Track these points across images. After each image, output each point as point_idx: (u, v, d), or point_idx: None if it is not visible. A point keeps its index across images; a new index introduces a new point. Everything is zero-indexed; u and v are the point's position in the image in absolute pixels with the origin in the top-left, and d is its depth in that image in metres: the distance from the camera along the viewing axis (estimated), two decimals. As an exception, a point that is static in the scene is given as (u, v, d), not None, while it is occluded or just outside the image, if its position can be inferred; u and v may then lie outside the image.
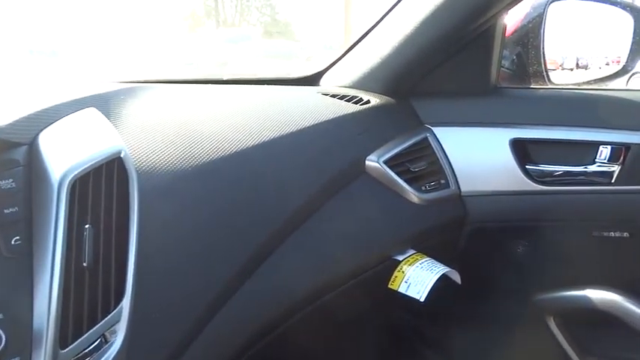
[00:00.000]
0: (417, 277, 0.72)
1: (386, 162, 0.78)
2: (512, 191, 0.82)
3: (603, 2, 0.94)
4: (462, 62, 0.87)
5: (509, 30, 0.91)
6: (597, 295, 0.79)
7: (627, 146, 0.74)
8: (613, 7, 0.94)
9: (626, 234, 0.79)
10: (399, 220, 0.78)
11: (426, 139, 0.87)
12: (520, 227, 0.85)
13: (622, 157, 0.75)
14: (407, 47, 0.85)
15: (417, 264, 0.75)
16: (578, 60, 1.26)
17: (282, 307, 0.62)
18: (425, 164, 0.83)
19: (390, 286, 0.73)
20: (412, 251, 0.78)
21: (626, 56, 0.94)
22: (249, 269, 0.58)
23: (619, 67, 0.95)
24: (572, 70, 1.25)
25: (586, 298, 0.81)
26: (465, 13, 0.77)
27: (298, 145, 0.72)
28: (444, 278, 0.73)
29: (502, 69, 0.92)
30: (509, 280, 0.91)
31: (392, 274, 0.74)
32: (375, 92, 0.91)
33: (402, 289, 0.72)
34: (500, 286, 0.91)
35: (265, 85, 0.99)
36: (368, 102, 0.87)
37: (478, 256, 0.90)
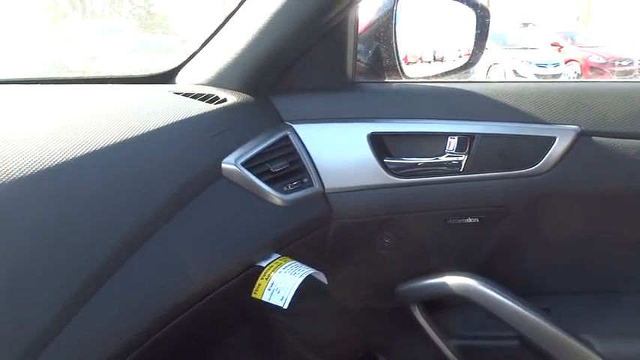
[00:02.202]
0: (281, 283, 0.69)
1: (244, 164, 0.74)
2: (373, 185, 0.83)
3: (448, -2, 0.98)
4: (319, 57, 0.86)
5: (363, 24, 0.92)
6: (453, 280, 0.83)
7: (472, 136, 0.78)
8: (457, 2, 0.98)
9: (476, 219, 0.83)
10: (260, 225, 0.74)
11: (286, 137, 0.84)
12: (383, 220, 0.86)
13: (468, 147, 0.78)
14: (261, 42, 0.81)
15: (281, 268, 0.72)
16: (435, 53, 1.31)
17: (133, 327, 0.56)
18: (286, 163, 0.81)
19: (253, 295, 0.69)
20: (276, 255, 0.75)
21: (471, 50, 0.99)
22: (96, 283, 0.51)
23: (465, 61, 1.00)
24: (430, 62, 1.30)
25: (444, 285, 0.84)
26: (315, 5, 0.75)
27: (144, 150, 0.65)
28: (311, 279, 0.71)
29: (359, 63, 0.92)
30: (376, 273, 0.92)
31: (256, 282, 0.70)
32: (233, 90, 0.87)
33: (265, 298, 0.68)
34: (367, 279, 0.92)
35: (111, 85, 0.90)
36: (224, 100, 0.82)
37: (346, 252, 0.90)
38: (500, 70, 10.89)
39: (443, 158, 0.80)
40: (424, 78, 0.95)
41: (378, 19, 0.92)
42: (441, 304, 0.87)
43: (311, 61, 0.85)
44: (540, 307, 0.82)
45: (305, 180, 0.83)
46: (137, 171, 0.63)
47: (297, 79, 0.87)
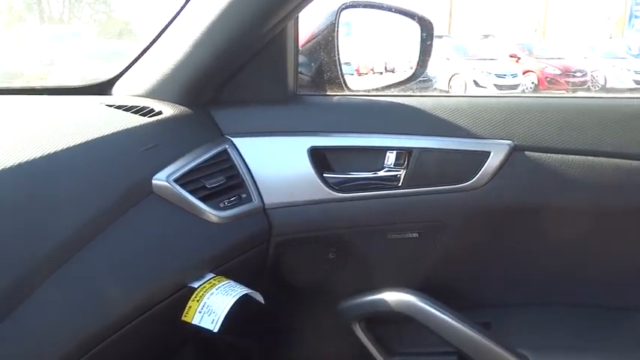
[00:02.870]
0: (213, 304, 0.66)
1: (177, 180, 0.71)
2: (312, 200, 0.81)
3: (390, 11, 0.98)
4: (260, 69, 0.84)
5: (306, 36, 0.91)
6: (393, 297, 0.82)
7: (410, 151, 0.78)
8: (401, 15, 0.98)
9: (415, 234, 0.83)
10: (193, 243, 0.72)
11: (225, 151, 0.81)
12: (324, 236, 0.85)
13: (406, 162, 0.78)
14: (199, 52, 0.79)
15: (214, 289, 0.69)
16: (386, 64, 1.29)
17: (55, 349, 0.52)
18: (224, 179, 0.78)
19: (183, 318, 0.66)
20: (211, 275, 0.72)
21: (416, 62, 0.99)
22: (8, 307, 0.48)
23: (411, 73, 1.00)
24: (381, 73, 1.29)
25: (384, 302, 0.83)
26: (252, 16, 0.74)
27: (68, 165, 0.62)
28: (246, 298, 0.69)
29: (302, 76, 0.90)
30: (318, 290, 0.90)
31: (187, 304, 0.67)
32: (171, 102, 0.84)
33: (195, 321, 0.65)
34: (310, 296, 0.90)
35: (43, 95, 0.86)
36: (160, 113, 0.79)
37: (287, 269, 0.88)
38: (461, 80, 11.16)
39: (382, 173, 0.80)
40: (366, 91, 0.94)
41: (320, 32, 0.91)
42: (383, 320, 0.86)
43: (252, 73, 0.83)
44: (481, 320, 0.81)
45: (244, 195, 0.81)
46: (59, 187, 0.60)
47: (238, 91, 0.85)
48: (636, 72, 12.70)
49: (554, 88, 12.21)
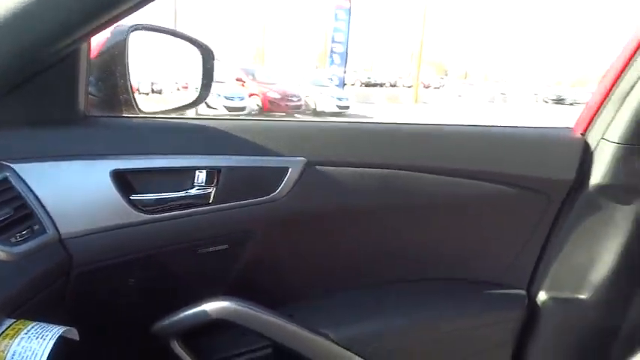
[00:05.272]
0: (27, 351, 0.58)
1: None
2: (119, 225, 0.78)
3: (176, 36, 1.01)
4: (45, 88, 0.76)
5: (92, 54, 0.86)
6: (209, 307, 0.86)
7: (219, 169, 0.83)
8: (185, 41, 1.02)
9: (226, 246, 0.88)
10: None
11: (6, 179, 0.71)
12: (135, 259, 0.82)
13: (216, 179, 0.83)
14: None
15: (22, 334, 0.60)
16: (152, 85, 1.31)
17: None
18: (10, 210, 0.68)
19: None
20: (10, 321, 0.62)
21: (200, 86, 1.05)
22: None
23: (196, 96, 1.05)
24: (147, 94, 1.29)
25: (201, 313, 0.86)
26: (42, 34, 0.67)
27: None
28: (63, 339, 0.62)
29: (92, 97, 0.85)
30: (131, 316, 0.87)
31: None
32: None
33: None
34: (123, 323, 0.86)
35: None
36: None
37: (94, 299, 0.82)
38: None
39: (192, 191, 0.83)
40: (153, 113, 0.94)
41: (112, 51, 0.88)
42: (201, 332, 0.88)
43: (36, 91, 0.75)
44: (289, 313, 0.92)
45: (36, 227, 0.72)
46: None
47: (19, 111, 0.75)
48: (338, 98, 15.23)
49: (275, 110, 13.60)
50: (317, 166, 0.88)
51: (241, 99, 12.70)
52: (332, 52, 18.95)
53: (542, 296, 0.99)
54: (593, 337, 0.96)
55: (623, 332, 0.93)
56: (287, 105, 13.73)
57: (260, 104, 13.56)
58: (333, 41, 18.92)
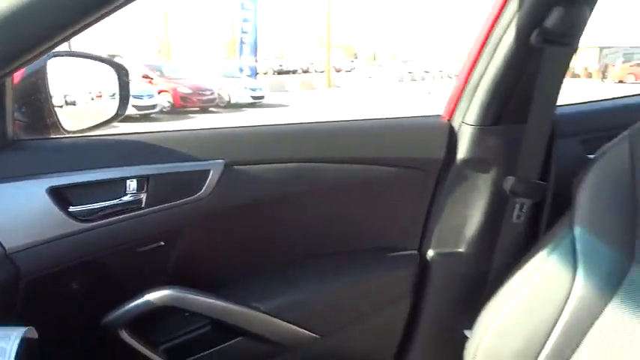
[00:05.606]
0: None
1: None
2: (61, 235, 0.88)
3: (93, 59, 1.10)
4: None
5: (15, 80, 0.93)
6: (152, 295, 0.98)
7: (147, 177, 0.95)
8: (102, 63, 1.11)
9: (161, 243, 1.00)
10: None
11: None
12: (78, 264, 0.92)
13: (146, 186, 0.95)
14: None
15: None
16: (65, 97, 1.37)
17: None
18: None
19: None
20: None
21: (117, 103, 1.14)
22: None
23: (114, 112, 1.14)
24: (61, 106, 1.36)
25: (146, 302, 0.97)
26: None
27: None
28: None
29: (18, 121, 0.93)
30: (83, 313, 0.97)
31: None
32: None
33: None
34: (76, 321, 0.96)
35: None
36: None
37: (45, 303, 0.91)
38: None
39: (125, 198, 0.94)
40: (79, 132, 1.03)
41: (31, 79, 0.95)
42: (144, 320, 1.00)
43: None
44: (221, 294, 1.06)
45: None
46: None
47: None
48: (251, 89, 15.17)
49: (188, 105, 13.29)
50: (235, 166, 1.02)
51: (150, 97, 12.22)
52: (241, 42, 18.79)
53: (430, 254, 1.21)
54: (470, 283, 1.19)
55: (490, 277, 1.17)
56: (200, 99, 13.48)
57: (171, 100, 13.19)
58: (242, 32, 18.75)
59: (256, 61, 19.38)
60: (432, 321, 1.22)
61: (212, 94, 13.91)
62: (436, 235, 1.20)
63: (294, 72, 35.88)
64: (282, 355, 1.13)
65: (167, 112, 12.93)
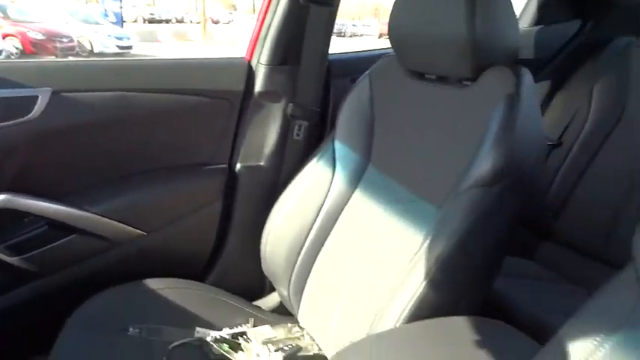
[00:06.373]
0: None
1: None
2: None
3: None
4: None
5: None
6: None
7: None
8: None
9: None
10: None
11: None
12: None
13: None
14: None
15: None
16: None
17: None
18: None
19: None
20: None
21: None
22: None
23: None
24: None
25: None
26: None
27: None
28: None
29: None
30: None
31: None
32: None
33: None
34: None
35: None
36: None
37: None
38: None
39: None
40: None
41: None
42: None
43: None
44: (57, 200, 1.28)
45: None
46: None
47: None
48: (117, 37, 14.17)
49: (42, 53, 12.10)
50: (62, 93, 1.23)
51: (-9, 40, 10.92)
52: (104, -15, 17.26)
53: (237, 167, 1.52)
54: (268, 187, 1.55)
55: (280, 181, 1.52)
56: (55, 47, 12.32)
57: (20, 46, 11.88)
58: (104, -28, 17.19)
59: (121, 7, 18.01)
60: (241, 219, 1.56)
61: (70, 41, 12.74)
62: (242, 151, 1.53)
63: (167, 21, 33.72)
64: (113, 250, 1.39)
65: (17, 60, 11.64)
